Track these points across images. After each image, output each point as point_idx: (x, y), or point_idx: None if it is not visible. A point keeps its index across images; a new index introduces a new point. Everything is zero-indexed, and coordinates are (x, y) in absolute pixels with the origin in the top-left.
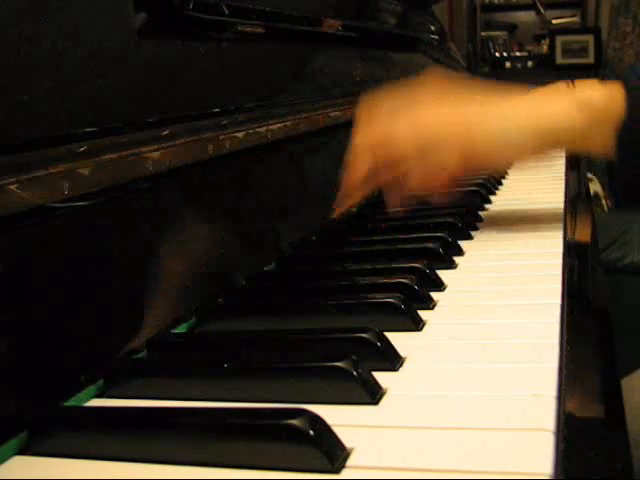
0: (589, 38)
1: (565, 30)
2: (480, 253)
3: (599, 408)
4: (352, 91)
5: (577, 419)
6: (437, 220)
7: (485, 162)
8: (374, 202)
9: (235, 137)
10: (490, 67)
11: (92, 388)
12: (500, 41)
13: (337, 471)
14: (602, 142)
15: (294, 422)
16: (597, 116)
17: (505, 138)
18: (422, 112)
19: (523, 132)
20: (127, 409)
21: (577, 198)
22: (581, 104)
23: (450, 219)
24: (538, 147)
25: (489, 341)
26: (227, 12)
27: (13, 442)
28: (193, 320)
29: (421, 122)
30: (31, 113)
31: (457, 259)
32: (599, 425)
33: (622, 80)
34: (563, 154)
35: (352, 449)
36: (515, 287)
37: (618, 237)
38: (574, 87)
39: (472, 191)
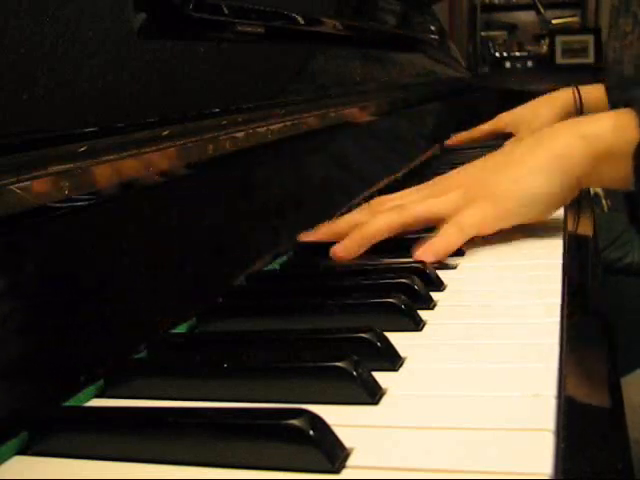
0: (589, 38)
1: (565, 30)
2: (480, 253)
3: (599, 408)
4: (352, 91)
5: (577, 419)
6: None
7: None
8: None
9: (235, 137)
10: (490, 67)
11: (92, 388)
12: (500, 41)
13: (337, 471)
14: (617, 175)
15: (294, 422)
16: (606, 148)
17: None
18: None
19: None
20: (127, 409)
21: (578, 197)
22: (587, 137)
23: None
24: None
25: (489, 341)
26: (227, 12)
27: (13, 442)
28: (193, 320)
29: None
30: (31, 113)
31: (457, 259)
32: (599, 425)
33: (631, 98)
34: None
35: (352, 449)
36: (515, 287)
37: (618, 237)
38: (579, 121)
39: None
